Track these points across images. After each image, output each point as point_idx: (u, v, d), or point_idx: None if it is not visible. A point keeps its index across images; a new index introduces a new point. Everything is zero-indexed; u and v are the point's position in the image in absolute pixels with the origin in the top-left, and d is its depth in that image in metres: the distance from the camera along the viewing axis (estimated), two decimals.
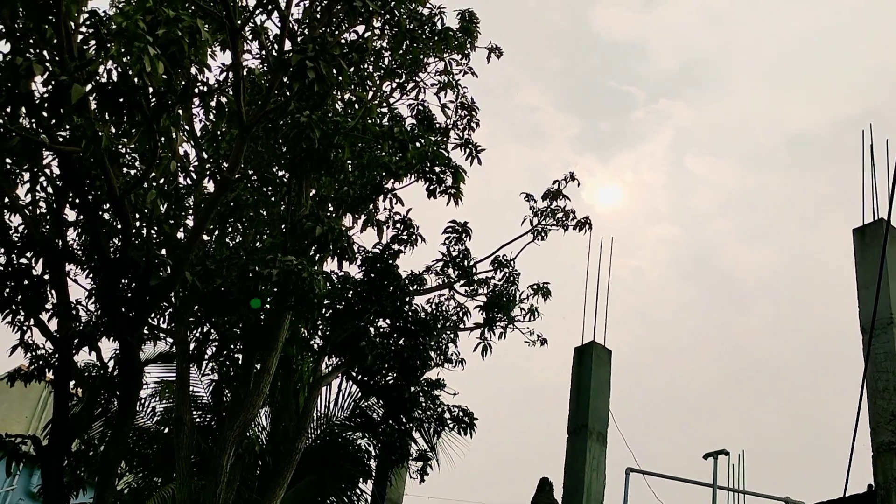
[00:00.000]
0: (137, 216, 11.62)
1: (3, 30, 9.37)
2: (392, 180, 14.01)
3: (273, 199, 13.25)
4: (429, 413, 15.39)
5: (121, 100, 8.74)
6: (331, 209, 13.63)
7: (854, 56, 69.28)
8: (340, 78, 9.95)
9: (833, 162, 69.85)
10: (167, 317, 13.19)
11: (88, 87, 8.85)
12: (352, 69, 12.25)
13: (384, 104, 14.90)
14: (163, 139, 10.54)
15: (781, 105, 71.16)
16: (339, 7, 12.20)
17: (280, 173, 13.39)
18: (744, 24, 72.64)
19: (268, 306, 12.91)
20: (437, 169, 13.92)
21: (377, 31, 14.03)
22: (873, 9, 67.92)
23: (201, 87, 11.90)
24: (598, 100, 76.52)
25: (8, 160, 11.45)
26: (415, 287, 15.10)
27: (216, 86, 12.92)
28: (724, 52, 74.21)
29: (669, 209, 74.03)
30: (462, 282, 15.56)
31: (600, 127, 78.39)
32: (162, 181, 12.20)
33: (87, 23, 9.88)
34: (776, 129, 71.90)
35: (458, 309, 15.64)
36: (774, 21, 71.78)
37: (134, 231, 11.38)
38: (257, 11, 10.69)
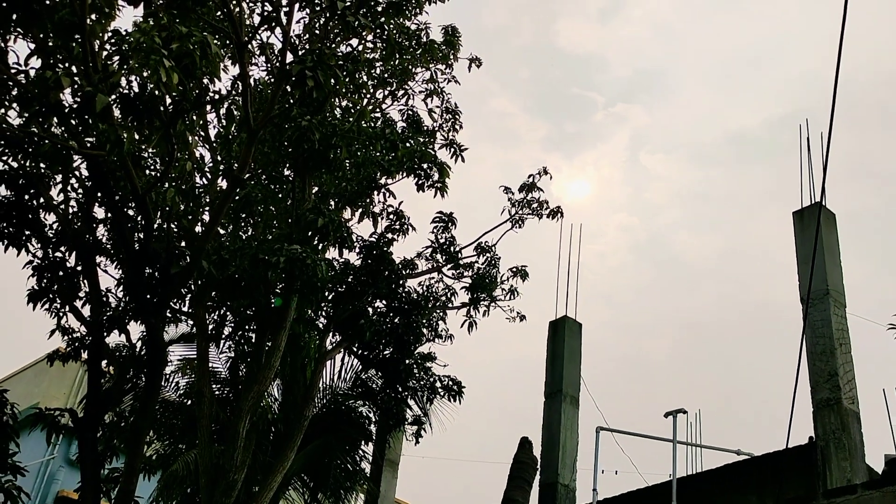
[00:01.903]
0: (158, 212, 11.56)
1: (35, 47, 9.29)
2: (385, 176, 13.97)
3: (280, 195, 13.18)
4: (422, 383, 15.36)
5: (141, 108, 8.69)
6: (331, 203, 13.58)
7: (785, 62, 69.49)
8: (337, 86, 9.90)
9: (769, 157, 70.04)
10: (187, 301, 13.14)
11: (112, 96, 8.78)
12: (347, 78, 12.17)
13: (377, 109, 14.86)
14: (179, 143, 10.49)
15: (723, 107, 71.36)
16: (334, 23, 12.11)
17: (285, 172, 13.31)
18: (689, 35, 72.79)
19: (277, 290, 12.88)
20: (425, 166, 13.86)
21: (370, 45, 13.96)
22: (802, 21, 68.09)
23: (213, 96, 11.84)
24: (563, 105, 76.50)
25: (42, 164, 11.39)
26: (407, 271, 15.08)
27: (226, 94, 12.88)
28: (673, 61, 74.29)
29: (627, 201, 74.15)
30: (449, 266, 15.53)
31: (565, 129, 78.42)
32: (179, 181, 12.15)
33: (111, 40, 9.81)
34: (719, 128, 72.10)
35: (447, 290, 15.59)
36: (715, 33, 71.94)
37: (156, 226, 11.34)
38: (262, 28, 10.62)
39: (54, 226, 11.93)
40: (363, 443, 16.07)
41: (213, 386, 14.21)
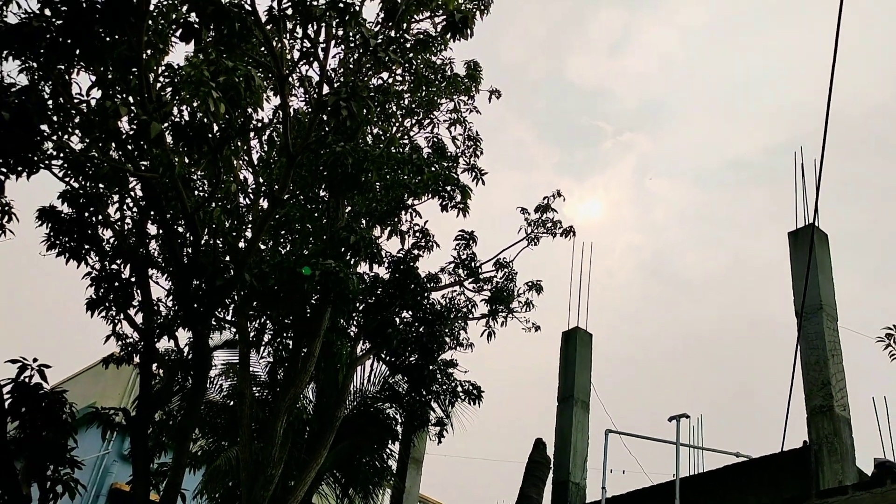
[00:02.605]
0: (205, 229, 11.64)
1: (96, 79, 9.41)
2: (412, 198, 13.97)
3: (315, 214, 13.24)
4: (444, 387, 15.33)
5: (191, 134, 8.75)
6: (363, 222, 13.61)
7: (780, 93, 69.15)
8: (368, 115, 9.95)
9: (766, 181, 69.62)
10: (231, 310, 13.20)
11: (165, 124, 8.86)
12: (378, 108, 12.24)
13: (405, 136, 14.87)
14: (225, 166, 10.56)
15: (723, 135, 71.11)
16: (367, 58, 12.18)
17: (321, 193, 13.37)
18: (691, 68, 72.72)
19: (313, 301, 12.91)
20: (448, 188, 13.84)
21: (399, 78, 14.02)
22: (796, 54, 67.76)
23: (256, 124, 11.94)
24: (574, 133, 76.56)
25: (101, 185, 11.52)
26: (431, 285, 15.05)
27: (268, 123, 12.98)
28: (676, 92, 74.20)
29: (634, 221, 73.97)
30: (470, 280, 15.48)
31: (576, 155, 78.46)
32: (225, 201, 12.22)
33: (165, 73, 9.93)
34: (719, 154, 71.88)
35: (467, 302, 15.54)
36: (715, 66, 71.85)
37: (203, 241, 11.41)
38: (301, 62, 10.70)
39: (111, 241, 12.03)
40: (390, 442, 16.04)
41: (254, 388, 14.25)
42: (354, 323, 14.78)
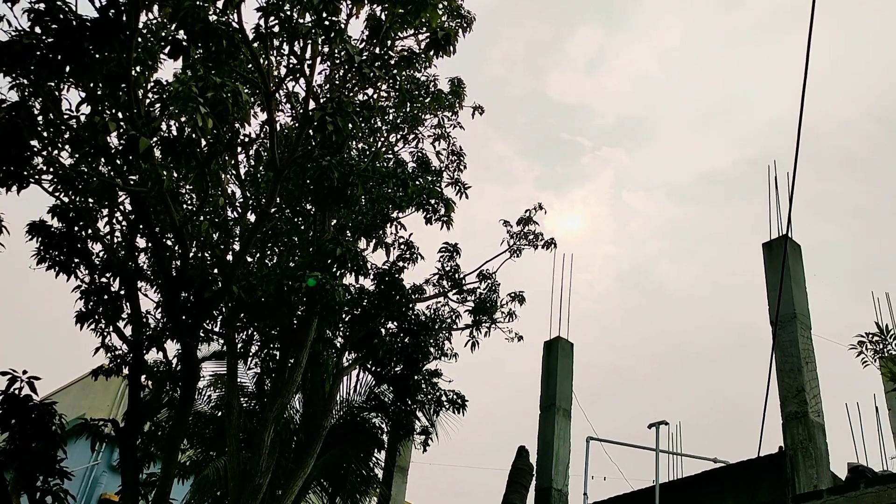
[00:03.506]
0: (194, 242, 11.57)
1: (86, 95, 9.36)
2: (397, 211, 13.97)
3: (302, 227, 13.18)
4: (429, 397, 15.28)
5: (179, 149, 8.71)
6: (348, 234, 13.57)
7: (753, 110, 69.86)
8: (354, 130, 9.92)
9: (739, 195, 70.17)
10: (219, 322, 13.11)
11: (153, 139, 8.81)
12: (363, 123, 12.21)
13: (390, 151, 14.84)
14: (213, 180, 10.52)
15: (697, 150, 71.73)
16: (352, 74, 12.18)
17: (307, 206, 13.33)
18: (666, 86, 73.32)
19: (299, 312, 12.85)
20: (432, 202, 13.84)
21: (384, 94, 13.99)
22: (769, 72, 68.47)
23: (243, 139, 11.90)
24: (554, 148, 76.93)
25: (90, 199, 11.45)
26: (416, 296, 15.02)
27: (255, 138, 12.94)
28: (652, 109, 74.78)
29: (612, 234, 74.41)
30: (454, 291, 15.46)
31: (556, 170, 78.84)
32: (213, 214, 12.17)
33: (153, 89, 9.89)
34: (694, 169, 72.47)
35: (452, 313, 15.50)
36: (690, 84, 72.51)
37: (191, 254, 11.34)
38: (288, 78, 10.68)
39: (100, 254, 11.96)
40: (376, 451, 15.98)
41: (241, 399, 14.15)
42: (341, 334, 14.72)
